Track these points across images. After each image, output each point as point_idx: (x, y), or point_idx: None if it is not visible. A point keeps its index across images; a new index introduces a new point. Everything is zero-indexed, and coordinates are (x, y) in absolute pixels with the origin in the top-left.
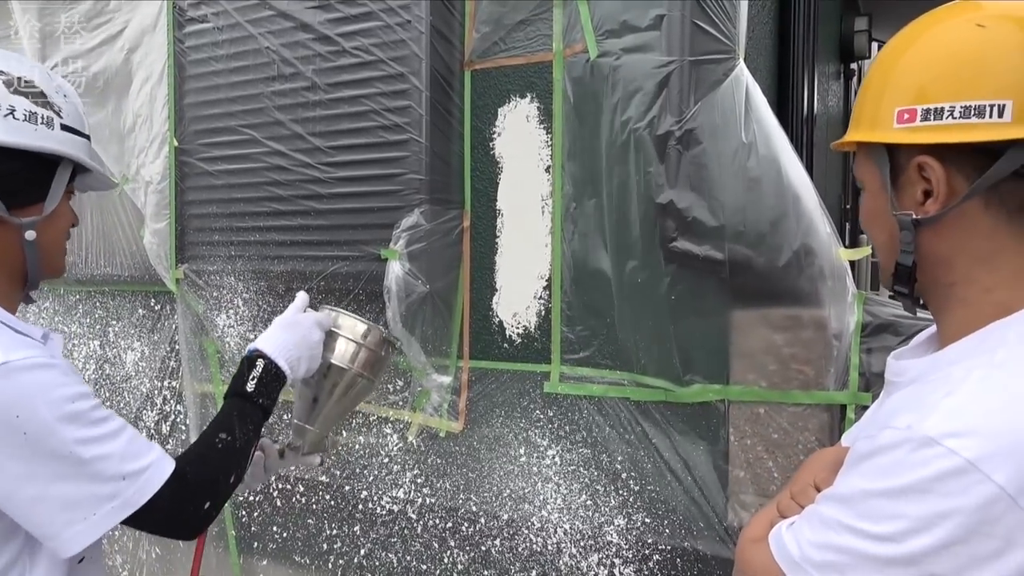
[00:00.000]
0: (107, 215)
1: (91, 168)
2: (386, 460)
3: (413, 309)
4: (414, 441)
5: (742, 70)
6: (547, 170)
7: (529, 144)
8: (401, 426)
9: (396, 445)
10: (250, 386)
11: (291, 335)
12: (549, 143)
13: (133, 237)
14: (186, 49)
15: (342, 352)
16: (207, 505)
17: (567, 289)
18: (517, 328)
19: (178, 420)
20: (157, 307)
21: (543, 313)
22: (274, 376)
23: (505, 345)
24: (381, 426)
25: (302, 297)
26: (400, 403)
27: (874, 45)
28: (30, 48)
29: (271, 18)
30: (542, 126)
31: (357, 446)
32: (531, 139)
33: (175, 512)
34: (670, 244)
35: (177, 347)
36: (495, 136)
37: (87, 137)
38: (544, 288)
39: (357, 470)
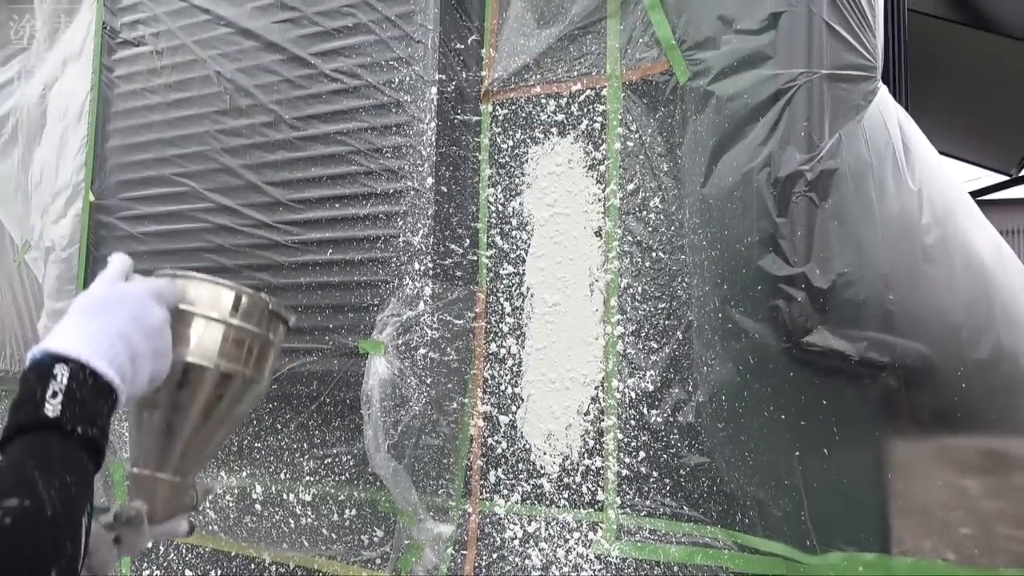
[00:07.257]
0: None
1: None
2: None
3: (403, 426)
4: None
5: (886, 93)
6: (597, 233)
7: (572, 198)
8: None
9: None
10: (50, 407)
11: (111, 319)
12: (601, 196)
13: (30, 322)
14: (115, 79)
15: (203, 340)
16: None
17: (629, 401)
18: (553, 456)
19: None
20: None
21: (592, 435)
22: (93, 390)
23: (536, 481)
24: None
25: (119, 260)
26: (377, 562)
27: None
28: None
29: (226, 37)
30: (591, 174)
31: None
32: (575, 190)
33: None
34: (802, 340)
35: None
36: (522, 187)
37: None
38: (593, 400)
39: None
